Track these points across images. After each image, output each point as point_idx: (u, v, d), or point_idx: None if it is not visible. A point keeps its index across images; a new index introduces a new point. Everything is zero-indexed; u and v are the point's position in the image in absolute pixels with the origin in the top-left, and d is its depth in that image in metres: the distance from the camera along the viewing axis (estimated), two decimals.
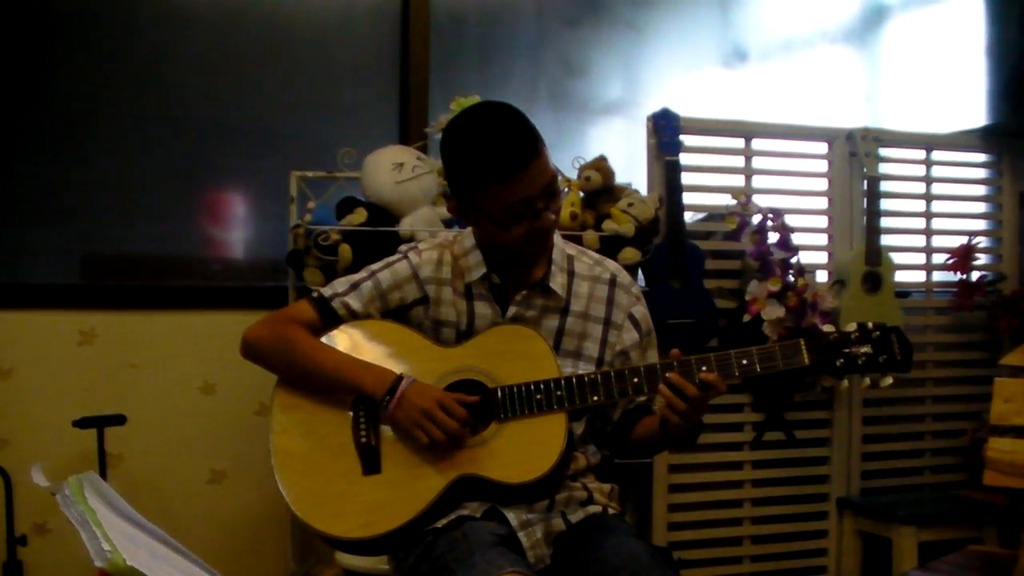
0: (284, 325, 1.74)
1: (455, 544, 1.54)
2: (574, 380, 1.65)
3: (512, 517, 1.63)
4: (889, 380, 1.70)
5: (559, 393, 1.64)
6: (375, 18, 3.16)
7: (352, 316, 1.76)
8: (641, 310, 1.83)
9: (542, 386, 1.64)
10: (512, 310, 1.74)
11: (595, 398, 1.65)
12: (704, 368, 1.62)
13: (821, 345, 1.66)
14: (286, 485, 1.65)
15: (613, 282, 1.81)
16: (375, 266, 1.80)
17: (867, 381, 1.71)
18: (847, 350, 1.66)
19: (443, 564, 1.52)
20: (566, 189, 2.68)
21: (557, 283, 1.75)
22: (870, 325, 1.68)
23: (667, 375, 1.61)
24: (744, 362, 1.64)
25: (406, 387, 1.64)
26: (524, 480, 1.60)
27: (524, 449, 1.62)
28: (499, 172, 1.59)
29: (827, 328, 1.70)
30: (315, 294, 1.79)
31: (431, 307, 1.77)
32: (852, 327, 1.68)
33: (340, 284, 1.79)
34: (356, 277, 1.79)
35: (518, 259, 1.74)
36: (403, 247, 1.84)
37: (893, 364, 1.67)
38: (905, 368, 1.68)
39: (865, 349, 1.66)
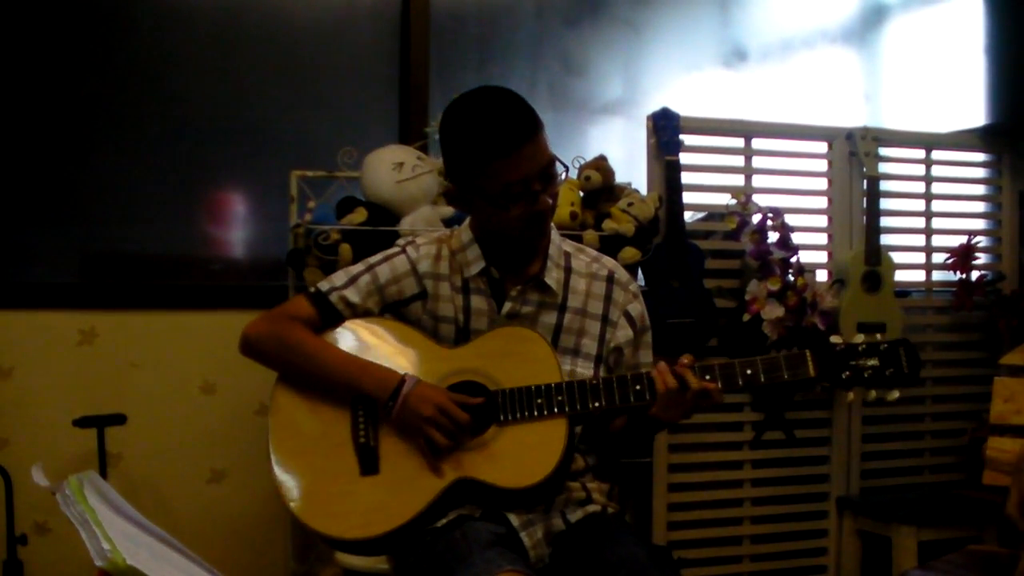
0: (284, 323, 1.73)
1: (454, 544, 1.54)
2: (575, 385, 1.64)
3: (513, 517, 1.63)
4: (896, 394, 1.66)
5: (560, 398, 1.63)
6: (375, 18, 3.16)
7: (351, 310, 1.75)
8: (637, 307, 1.82)
9: (543, 390, 1.64)
10: (508, 305, 1.73)
11: (596, 404, 1.64)
12: (707, 377, 1.62)
13: (828, 357, 1.63)
14: (284, 484, 1.65)
15: (611, 279, 1.81)
16: (373, 259, 1.79)
17: (873, 395, 1.66)
18: (854, 363, 1.64)
19: (442, 564, 1.52)
20: (563, 176, 2.67)
21: (552, 278, 1.75)
22: (878, 337, 1.65)
23: (676, 368, 1.60)
24: (749, 372, 1.62)
25: (409, 390, 1.63)
26: (521, 485, 1.60)
27: (523, 454, 1.61)
28: (499, 147, 1.59)
29: (834, 339, 1.67)
30: (313, 289, 1.78)
31: (429, 302, 1.76)
32: (859, 339, 1.65)
33: (338, 278, 1.78)
34: (354, 270, 1.78)
35: (515, 246, 1.73)
36: (400, 241, 1.83)
37: (900, 377, 1.63)
38: (913, 382, 1.65)
39: (872, 362, 1.63)
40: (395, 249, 1.81)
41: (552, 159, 1.66)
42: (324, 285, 1.77)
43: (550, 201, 1.67)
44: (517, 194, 1.62)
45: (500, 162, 1.59)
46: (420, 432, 1.62)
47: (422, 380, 1.66)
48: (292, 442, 1.68)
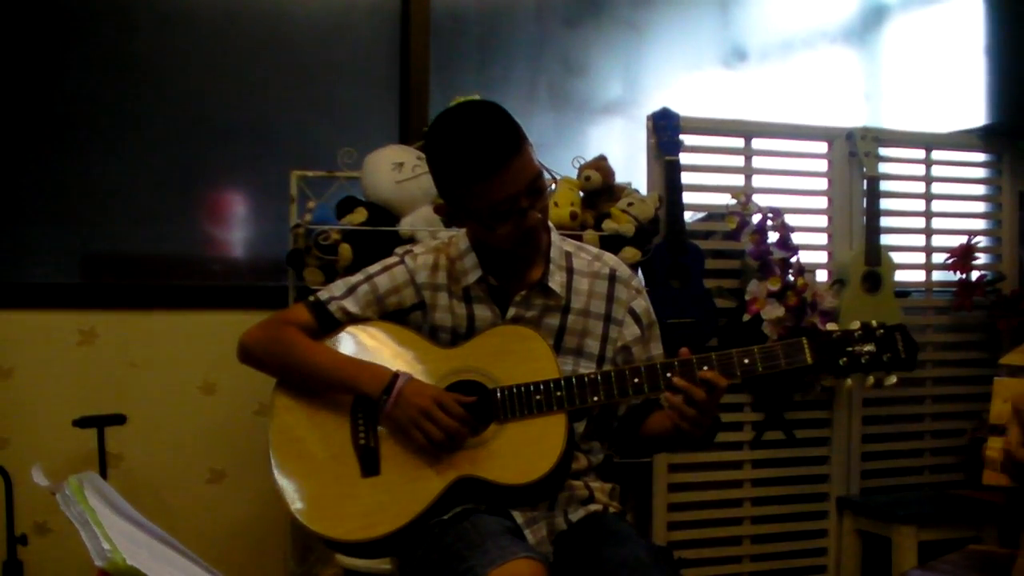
0: (280, 328, 1.74)
1: (464, 533, 1.54)
2: (574, 380, 1.64)
3: (517, 514, 1.63)
4: (893, 379, 1.66)
5: (559, 394, 1.63)
6: (375, 18, 3.16)
7: (350, 320, 1.76)
8: (642, 304, 1.82)
9: (541, 387, 1.63)
10: (512, 311, 1.73)
11: (595, 398, 1.64)
12: (705, 368, 1.60)
13: (824, 344, 1.63)
14: (285, 487, 1.65)
15: (613, 277, 1.80)
16: (372, 269, 1.79)
17: (871, 380, 1.67)
18: (850, 349, 1.63)
19: (454, 552, 1.51)
20: (553, 186, 2.68)
21: (556, 282, 1.75)
22: (874, 323, 1.65)
23: (672, 380, 1.59)
24: (746, 361, 1.62)
25: (403, 385, 1.63)
26: (523, 481, 1.60)
27: (524, 450, 1.61)
28: (479, 171, 1.58)
29: (830, 327, 1.67)
30: (312, 298, 1.78)
31: (428, 313, 1.76)
32: (855, 325, 1.65)
33: (337, 288, 1.78)
34: (353, 280, 1.78)
35: (511, 260, 1.73)
36: (399, 250, 1.83)
37: (898, 363, 1.63)
38: (910, 367, 1.64)
39: (869, 348, 1.63)
40: (394, 259, 1.81)
41: (538, 173, 1.64)
42: (323, 295, 1.77)
43: (539, 216, 1.66)
44: (504, 212, 1.61)
45: (482, 185, 1.59)
46: (415, 426, 1.61)
47: (415, 377, 1.66)
48: (292, 446, 1.68)
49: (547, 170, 1.67)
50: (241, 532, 2.84)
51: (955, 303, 3.22)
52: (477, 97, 2.56)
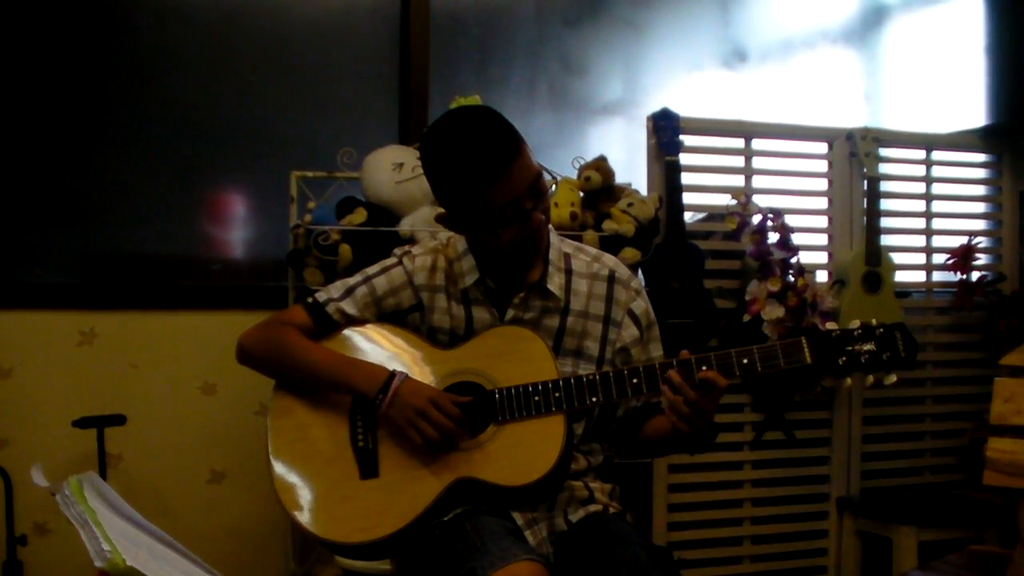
0: (277, 329, 1.74)
1: (465, 535, 1.53)
2: (572, 381, 1.64)
3: (517, 516, 1.63)
4: (893, 378, 1.65)
5: (557, 395, 1.63)
6: (375, 18, 3.16)
7: (347, 321, 1.75)
8: (641, 305, 1.82)
9: (540, 388, 1.63)
10: (510, 313, 1.73)
11: (594, 399, 1.63)
12: (704, 368, 1.60)
13: (823, 343, 1.62)
14: (284, 491, 1.65)
15: (612, 278, 1.80)
16: (370, 270, 1.79)
17: (870, 379, 1.67)
18: (850, 348, 1.63)
19: (454, 554, 1.51)
20: (553, 187, 2.68)
21: (554, 283, 1.74)
22: (874, 322, 1.64)
23: (667, 374, 1.59)
24: (745, 361, 1.61)
25: (398, 384, 1.63)
26: (522, 483, 1.59)
27: (522, 452, 1.61)
28: (482, 177, 1.57)
29: (830, 326, 1.66)
30: (310, 300, 1.78)
31: (426, 314, 1.76)
32: (855, 324, 1.64)
33: (335, 289, 1.78)
34: (351, 281, 1.78)
35: (512, 262, 1.73)
36: (397, 250, 1.83)
37: (897, 361, 1.62)
38: (910, 365, 1.63)
39: (868, 347, 1.63)
40: (392, 260, 1.80)
41: (539, 173, 1.64)
42: (321, 296, 1.77)
43: (543, 217, 1.66)
44: (509, 216, 1.61)
45: (486, 190, 1.58)
46: (410, 425, 1.61)
47: (411, 377, 1.66)
48: (291, 448, 1.68)
49: (546, 170, 1.66)
50: (241, 532, 2.84)
51: (955, 303, 3.22)
52: (477, 97, 2.57)
